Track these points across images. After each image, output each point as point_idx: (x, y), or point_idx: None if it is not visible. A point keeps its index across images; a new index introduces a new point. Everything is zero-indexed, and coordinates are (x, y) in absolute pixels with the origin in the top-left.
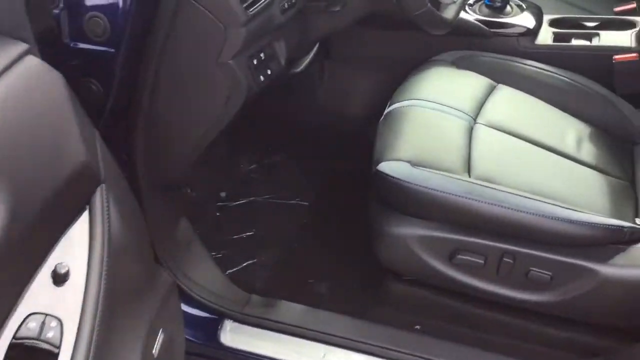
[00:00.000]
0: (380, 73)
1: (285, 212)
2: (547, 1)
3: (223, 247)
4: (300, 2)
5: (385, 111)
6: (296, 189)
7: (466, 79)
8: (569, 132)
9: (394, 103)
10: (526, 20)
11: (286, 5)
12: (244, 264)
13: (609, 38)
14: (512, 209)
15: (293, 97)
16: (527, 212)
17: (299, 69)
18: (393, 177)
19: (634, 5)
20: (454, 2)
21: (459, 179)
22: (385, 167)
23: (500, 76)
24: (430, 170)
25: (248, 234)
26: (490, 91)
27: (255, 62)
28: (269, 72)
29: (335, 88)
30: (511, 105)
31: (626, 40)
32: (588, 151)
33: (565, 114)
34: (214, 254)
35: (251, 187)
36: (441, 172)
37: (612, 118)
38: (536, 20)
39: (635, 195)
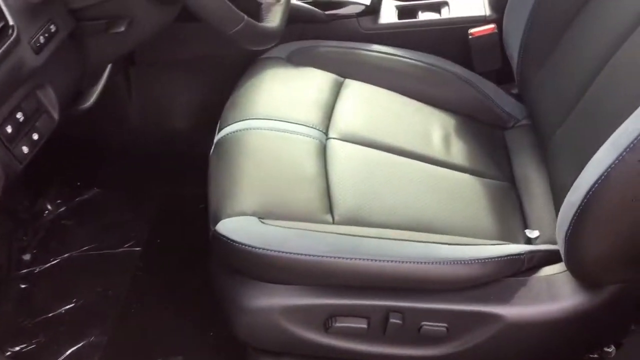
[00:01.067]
0: (203, 76)
1: (112, 266)
2: None
3: (35, 332)
4: (63, 30)
5: (215, 139)
6: (122, 231)
7: (306, 79)
8: (434, 128)
9: (224, 127)
10: None
11: (42, 40)
12: (68, 352)
13: (460, 7)
14: (389, 260)
15: (98, 116)
16: (407, 262)
17: (88, 104)
18: (237, 243)
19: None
20: (279, 2)
21: (321, 232)
22: (225, 226)
23: (345, 69)
24: (284, 223)
25: (67, 307)
26: (337, 90)
27: (9, 130)
28: (35, 137)
29: (148, 100)
30: (364, 106)
31: (479, 7)
32: (458, 150)
33: (426, 106)
34: (22, 347)
35: (64, 239)
36: (299, 224)
37: (476, 102)
38: None
39: (517, 197)
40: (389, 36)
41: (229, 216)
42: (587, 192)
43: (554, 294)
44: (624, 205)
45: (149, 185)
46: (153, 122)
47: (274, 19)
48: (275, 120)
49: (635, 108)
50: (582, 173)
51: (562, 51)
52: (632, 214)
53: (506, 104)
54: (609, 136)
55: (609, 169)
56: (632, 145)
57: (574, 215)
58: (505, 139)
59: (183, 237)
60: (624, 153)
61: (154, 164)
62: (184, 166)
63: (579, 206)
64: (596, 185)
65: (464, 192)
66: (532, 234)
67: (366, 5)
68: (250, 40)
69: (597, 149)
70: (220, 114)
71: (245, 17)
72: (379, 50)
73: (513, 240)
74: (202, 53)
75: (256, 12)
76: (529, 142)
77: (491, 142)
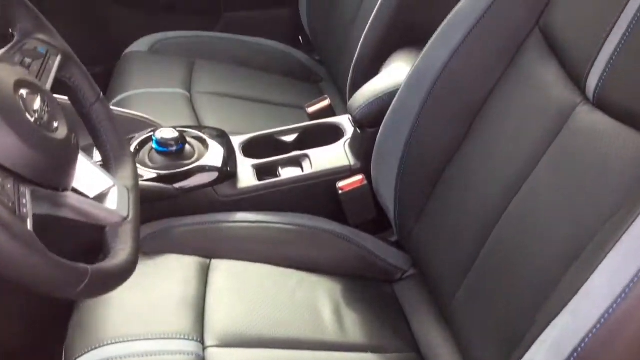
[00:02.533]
0: None
1: None
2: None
3: None
4: None
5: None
6: None
7: (166, 272)
8: (322, 302)
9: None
10: (216, 157)
11: None
12: None
13: (322, 159)
14: None
15: None
16: None
17: None
18: None
19: (328, 101)
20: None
21: None
22: None
23: (209, 248)
24: None
25: None
26: (205, 278)
27: None
28: None
29: None
30: (240, 292)
31: (342, 157)
32: (352, 324)
33: (308, 275)
34: None
35: None
36: None
37: (358, 260)
38: (227, 153)
39: None
40: (251, 200)
41: None
42: None
43: None
44: None
45: None
46: None
47: (124, 247)
48: (133, 341)
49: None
50: None
51: (443, 198)
52: None
53: (389, 256)
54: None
55: None
56: None
57: None
58: (396, 294)
59: None
60: None
61: None
62: None
63: None
64: None
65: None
66: None
67: (219, 171)
68: (101, 288)
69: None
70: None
71: (89, 267)
72: (243, 219)
73: None
74: None
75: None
76: (422, 296)
77: (384, 303)
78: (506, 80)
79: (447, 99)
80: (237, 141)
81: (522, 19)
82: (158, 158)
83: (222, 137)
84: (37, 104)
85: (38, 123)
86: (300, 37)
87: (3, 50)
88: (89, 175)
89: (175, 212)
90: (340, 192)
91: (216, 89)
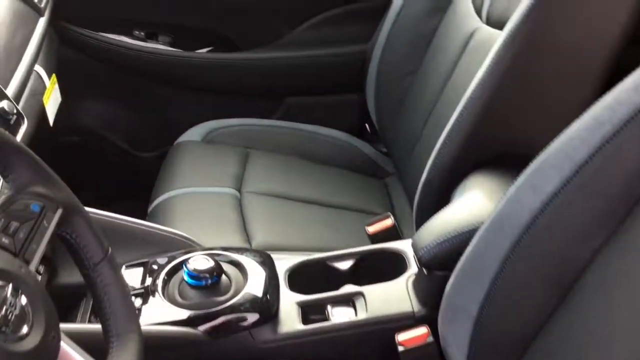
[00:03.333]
0: None
1: None
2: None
3: None
4: None
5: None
6: None
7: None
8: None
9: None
10: (256, 292)
11: None
12: None
13: (379, 299)
14: None
15: None
16: None
17: None
18: None
19: (391, 220)
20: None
21: None
22: None
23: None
24: None
25: None
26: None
27: None
28: None
29: None
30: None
31: (403, 297)
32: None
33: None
34: None
35: None
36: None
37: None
38: (269, 287)
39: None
40: (295, 348)
41: None
42: None
43: None
44: None
45: None
46: None
47: None
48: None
49: None
50: None
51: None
52: None
53: None
54: None
55: None
56: None
57: None
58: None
59: None
60: None
61: None
62: None
63: None
64: None
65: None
66: None
67: (258, 310)
68: None
69: None
70: None
71: None
72: None
73: None
74: None
75: None
76: None
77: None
78: (615, 245)
79: (536, 255)
80: (282, 267)
81: None
82: (190, 293)
83: (266, 264)
84: (3, 304)
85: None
86: (366, 126)
87: None
88: None
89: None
90: (400, 347)
91: (269, 188)
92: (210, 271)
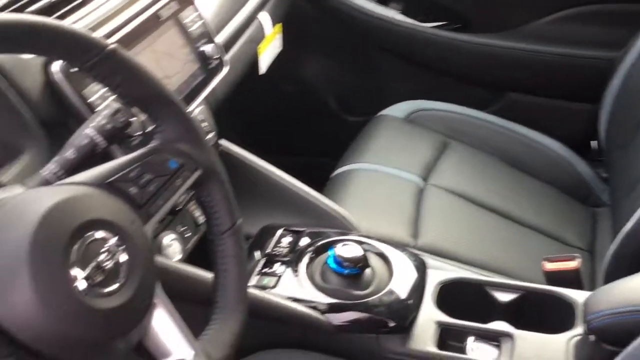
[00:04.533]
0: None
1: None
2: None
3: None
4: None
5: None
6: None
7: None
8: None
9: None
10: (396, 296)
11: None
12: None
13: (530, 350)
14: None
15: None
16: None
17: None
18: None
19: (576, 263)
20: None
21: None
22: None
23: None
24: None
25: None
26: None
27: None
28: None
29: None
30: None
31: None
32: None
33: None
34: None
35: None
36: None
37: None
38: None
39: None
40: None
41: None
42: None
43: None
44: None
45: None
46: None
47: None
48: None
49: None
50: None
51: None
52: None
53: None
54: None
55: None
56: None
57: None
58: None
59: None
60: None
61: None
62: None
63: None
64: None
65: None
66: None
67: (393, 318)
68: None
69: None
70: None
71: None
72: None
73: None
74: None
75: None
76: None
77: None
78: None
79: None
80: (435, 278)
81: None
82: (330, 276)
83: (418, 270)
84: (102, 254)
85: (87, 283)
86: (591, 143)
87: (120, 160)
88: (163, 336)
89: (323, 348)
90: None
91: (457, 186)
92: (354, 261)
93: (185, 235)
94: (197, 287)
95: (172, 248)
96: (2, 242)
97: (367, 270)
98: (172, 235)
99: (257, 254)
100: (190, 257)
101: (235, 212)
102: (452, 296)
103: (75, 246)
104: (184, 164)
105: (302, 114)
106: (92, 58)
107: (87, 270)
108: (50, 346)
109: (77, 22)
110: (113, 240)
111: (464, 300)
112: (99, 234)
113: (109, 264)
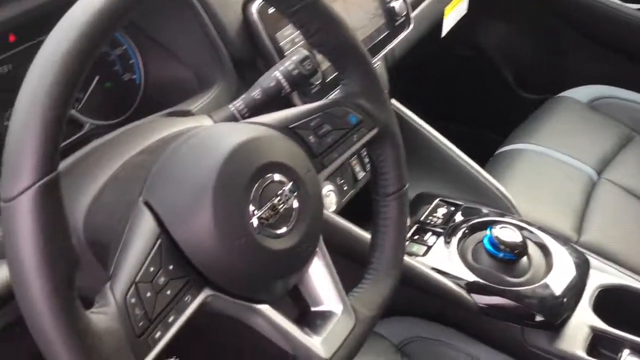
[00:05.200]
0: None
1: None
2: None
3: None
4: None
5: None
6: None
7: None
8: None
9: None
10: (552, 291)
11: None
12: None
13: None
14: None
15: None
16: None
17: None
18: None
19: None
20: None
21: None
22: None
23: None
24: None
25: None
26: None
27: None
28: None
29: None
30: None
31: None
32: None
33: None
34: None
35: None
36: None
37: None
38: (569, 292)
39: None
40: None
41: None
42: None
43: None
44: None
45: None
46: None
47: None
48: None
49: None
50: None
51: None
52: None
53: None
54: None
55: None
56: None
57: None
58: None
59: None
60: None
61: None
62: None
63: None
64: None
65: None
66: None
67: (544, 313)
68: None
69: None
70: None
71: None
72: None
73: None
74: None
75: None
76: None
77: None
78: None
79: None
80: (597, 281)
81: None
82: (483, 257)
83: (580, 268)
84: (277, 197)
85: (260, 222)
86: None
87: (303, 108)
88: (317, 285)
89: (461, 326)
90: None
91: (635, 185)
92: (513, 246)
93: (344, 189)
94: (353, 243)
95: (329, 199)
96: (192, 171)
97: (524, 259)
98: (330, 187)
99: (410, 220)
100: (343, 211)
101: (404, 176)
102: (612, 302)
103: (255, 185)
104: (363, 120)
105: (474, 82)
106: (296, 3)
107: (263, 210)
108: (218, 274)
109: None
110: (289, 185)
111: (624, 309)
112: (277, 177)
113: (282, 207)
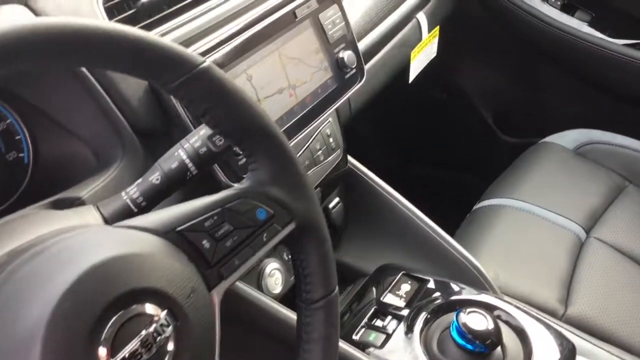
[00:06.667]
0: None
1: None
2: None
3: None
4: None
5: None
6: None
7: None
8: None
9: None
10: None
11: None
12: None
13: None
14: None
15: None
16: None
17: None
18: None
19: None
20: None
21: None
22: None
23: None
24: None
25: None
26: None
27: None
28: None
29: None
30: None
31: None
32: None
33: None
34: None
35: None
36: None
37: None
38: None
39: None
40: None
41: None
42: None
43: None
44: None
45: None
46: None
47: None
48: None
49: None
50: None
51: None
52: None
53: None
54: None
55: None
56: None
57: None
58: None
59: None
60: None
61: None
62: None
63: None
64: None
65: None
66: None
67: None
68: None
69: None
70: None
71: None
72: None
73: None
74: None
75: None
76: None
77: None
78: None
79: None
80: None
81: None
82: (450, 348)
83: (565, 356)
84: (142, 336)
85: None
86: None
87: (196, 203)
88: None
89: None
90: None
91: (627, 243)
92: (484, 336)
93: (291, 264)
94: (287, 334)
95: (273, 279)
96: (25, 302)
97: (497, 350)
98: (275, 264)
99: (370, 297)
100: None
101: (332, 279)
102: None
103: (111, 320)
104: (275, 215)
105: (452, 126)
106: (176, 78)
107: (119, 356)
108: None
109: (207, 13)
110: (161, 317)
111: None
112: (147, 308)
113: (150, 350)
